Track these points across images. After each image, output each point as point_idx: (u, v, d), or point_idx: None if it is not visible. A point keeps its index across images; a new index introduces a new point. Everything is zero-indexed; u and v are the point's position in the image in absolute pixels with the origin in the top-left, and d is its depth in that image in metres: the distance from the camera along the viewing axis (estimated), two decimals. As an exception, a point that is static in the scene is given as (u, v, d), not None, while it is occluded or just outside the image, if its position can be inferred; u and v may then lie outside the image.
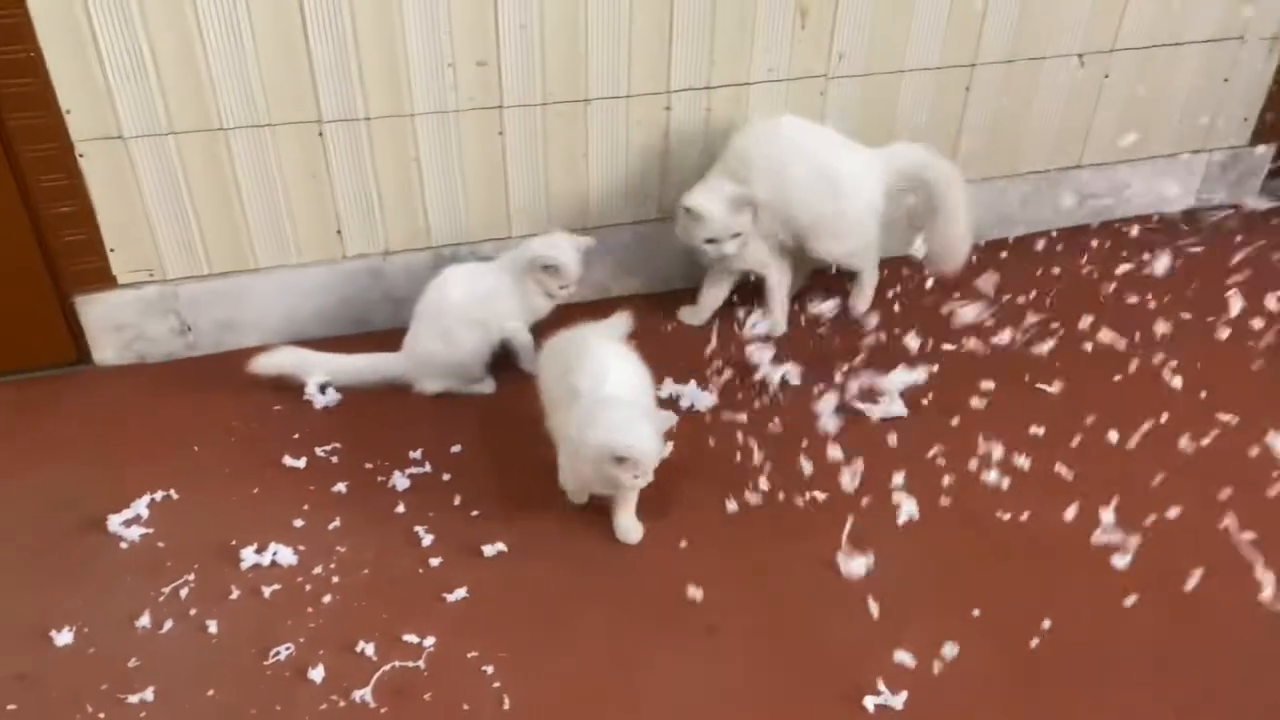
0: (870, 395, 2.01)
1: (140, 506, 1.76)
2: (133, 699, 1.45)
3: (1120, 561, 1.67)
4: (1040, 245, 2.55)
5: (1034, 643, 1.53)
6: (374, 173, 2.05)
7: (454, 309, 1.98)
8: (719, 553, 1.70)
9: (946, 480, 1.83)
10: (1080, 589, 1.63)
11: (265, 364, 2.00)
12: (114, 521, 1.72)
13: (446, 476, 1.84)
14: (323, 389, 2.02)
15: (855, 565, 1.65)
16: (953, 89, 2.33)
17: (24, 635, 1.54)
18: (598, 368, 1.69)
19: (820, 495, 1.79)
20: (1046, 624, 1.55)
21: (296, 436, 1.93)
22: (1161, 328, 2.20)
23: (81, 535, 1.71)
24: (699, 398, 2.02)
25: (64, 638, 1.54)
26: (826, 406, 1.97)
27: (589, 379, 1.68)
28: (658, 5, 2.02)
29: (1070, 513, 1.75)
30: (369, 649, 1.53)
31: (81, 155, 1.87)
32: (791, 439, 1.91)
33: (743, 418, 1.97)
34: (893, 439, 1.92)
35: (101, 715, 1.44)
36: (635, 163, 2.20)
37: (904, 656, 1.50)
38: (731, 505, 1.77)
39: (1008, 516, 1.76)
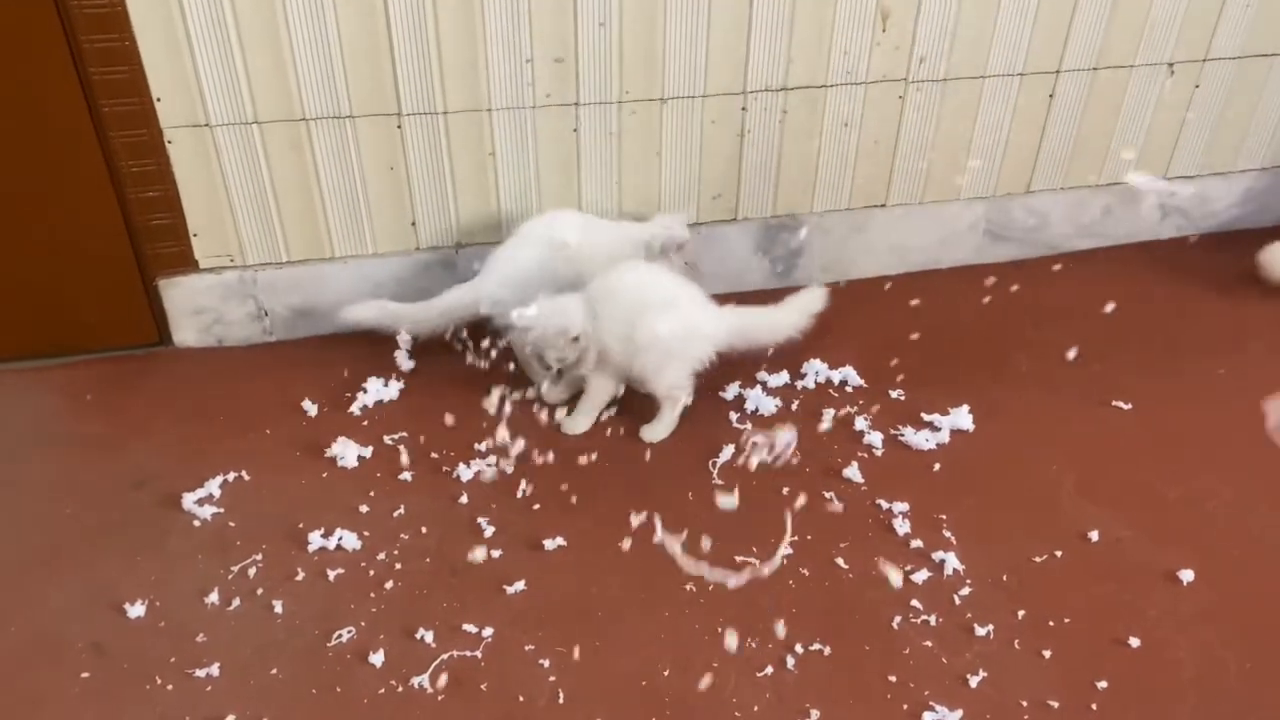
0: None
1: (213, 486, 1.80)
2: (199, 673, 1.49)
3: (1186, 576, 1.62)
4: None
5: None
6: (449, 166, 2.07)
7: (566, 248, 2.00)
8: (796, 561, 1.69)
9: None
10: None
11: (354, 314, 2.03)
12: (188, 500, 1.77)
13: (510, 470, 1.86)
14: (410, 351, 2.08)
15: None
16: (1036, 95, 2.28)
17: (99, 606, 1.59)
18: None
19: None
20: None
21: (365, 424, 1.96)
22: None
23: (157, 512, 1.76)
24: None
25: (136, 610, 1.58)
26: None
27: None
28: (736, 4, 2.01)
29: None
30: (428, 636, 1.55)
31: (170, 142, 1.93)
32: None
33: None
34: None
35: (169, 687, 1.47)
36: (709, 162, 2.19)
37: None
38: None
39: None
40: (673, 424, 1.95)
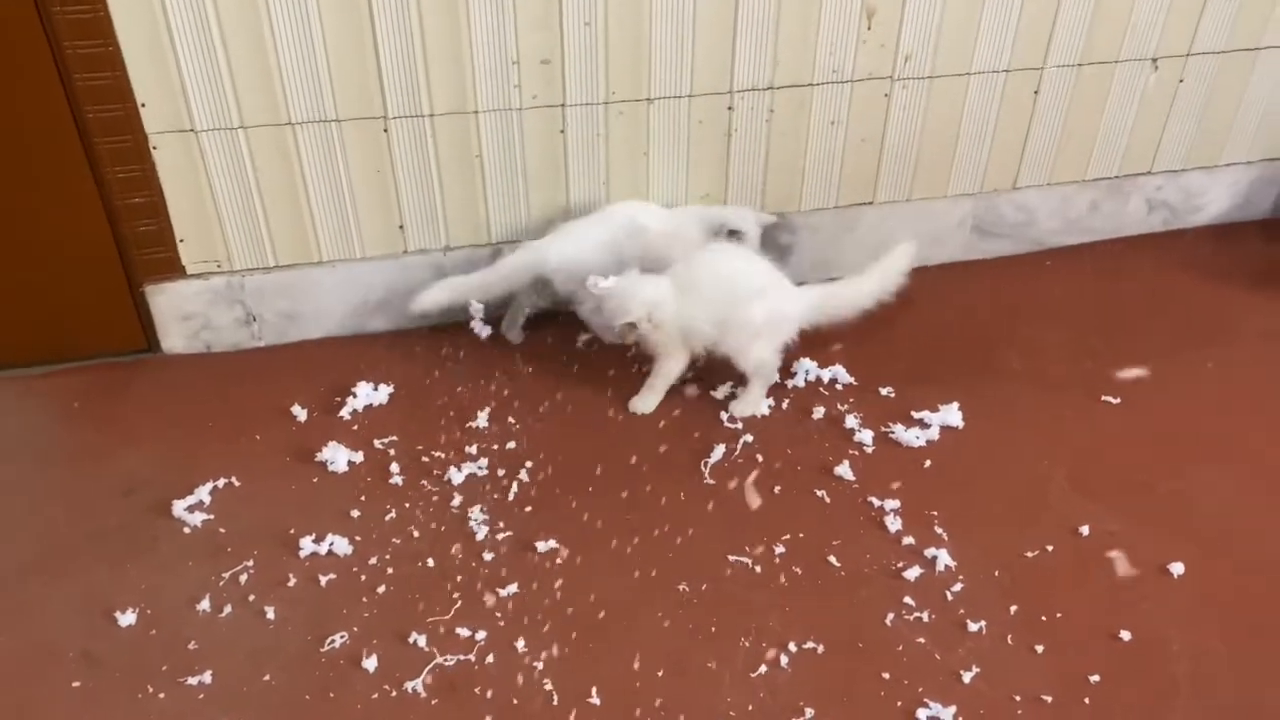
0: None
1: (203, 493, 1.79)
2: (191, 681, 1.48)
3: (1177, 569, 1.63)
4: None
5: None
6: (437, 169, 2.07)
7: (641, 230, 2.09)
8: (788, 560, 1.69)
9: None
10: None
11: (425, 301, 2.07)
12: (178, 506, 1.76)
13: (501, 472, 1.85)
14: (485, 320, 2.15)
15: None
16: (1022, 92, 2.29)
17: (90, 615, 1.58)
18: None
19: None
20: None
21: (355, 428, 1.95)
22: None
23: (146, 519, 1.75)
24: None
25: (127, 619, 1.57)
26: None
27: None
28: (722, 4, 2.01)
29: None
30: (421, 640, 1.54)
31: (155, 148, 1.92)
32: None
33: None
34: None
35: (161, 695, 1.47)
36: (696, 162, 2.19)
37: (959, 668, 1.48)
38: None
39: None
40: (760, 398, 2.00)
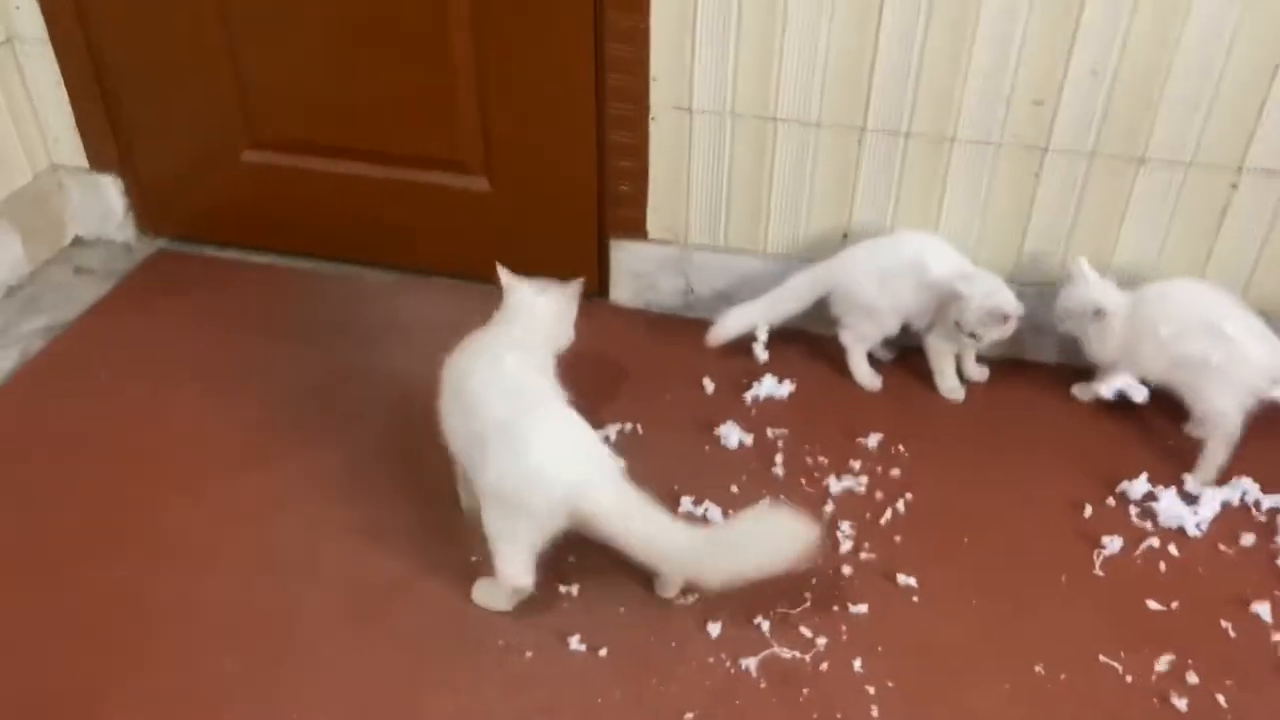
0: None
1: (611, 430, 1.97)
2: (562, 589, 1.66)
3: None
4: None
5: None
6: (898, 187, 2.08)
7: (921, 272, 2.01)
8: (1166, 681, 1.54)
9: None
10: None
11: (723, 333, 2.11)
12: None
13: (879, 495, 1.85)
14: (765, 345, 2.14)
15: None
16: None
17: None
18: None
19: None
20: None
21: (753, 413, 2.04)
22: None
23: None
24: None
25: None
26: None
27: None
28: (1261, 67, 1.82)
29: None
30: (765, 626, 1.60)
31: (653, 119, 2.12)
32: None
33: None
34: None
35: (535, 592, 1.63)
36: (1176, 241, 2.01)
37: None
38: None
39: None
40: (1217, 463, 1.85)
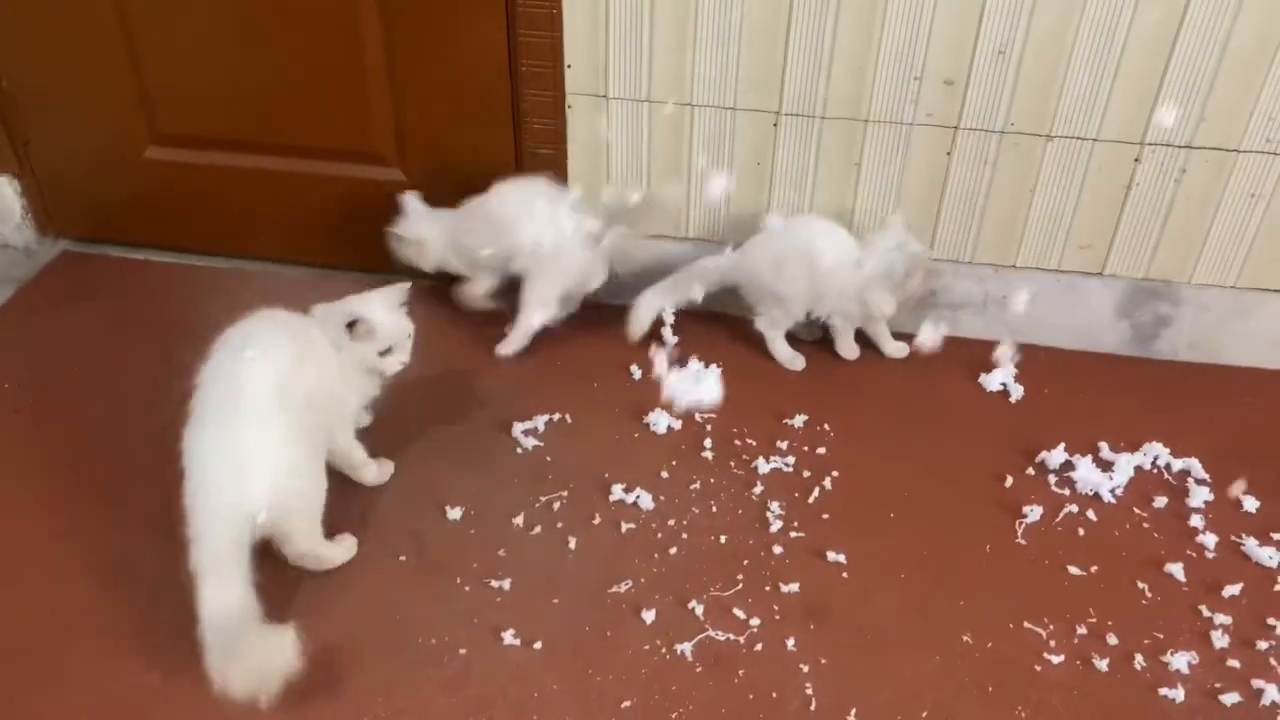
0: None
1: (540, 421, 1.96)
2: (494, 584, 1.64)
3: None
4: None
5: None
6: (814, 169, 2.10)
7: (817, 259, 2.04)
8: (1087, 644, 1.59)
9: None
10: None
11: (641, 323, 2.12)
12: (516, 428, 1.93)
13: (807, 474, 1.87)
14: (673, 328, 2.13)
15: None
16: None
17: (425, 502, 1.79)
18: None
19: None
20: None
21: (682, 398, 2.05)
22: None
23: (490, 432, 1.94)
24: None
25: (454, 514, 1.77)
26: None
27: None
28: (1157, 42, 1.87)
29: None
30: (699, 609, 1.61)
31: (570, 106, 2.10)
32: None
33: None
34: None
35: (467, 589, 1.64)
36: (1084, 210, 2.07)
37: None
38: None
39: None
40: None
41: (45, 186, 2.41)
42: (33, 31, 2.20)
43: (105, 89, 2.24)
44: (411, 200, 2.15)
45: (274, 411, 1.50)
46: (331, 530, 1.65)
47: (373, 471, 1.81)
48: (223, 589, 1.40)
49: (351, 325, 1.63)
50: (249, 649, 1.38)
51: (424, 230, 2.15)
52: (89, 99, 2.27)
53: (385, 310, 1.68)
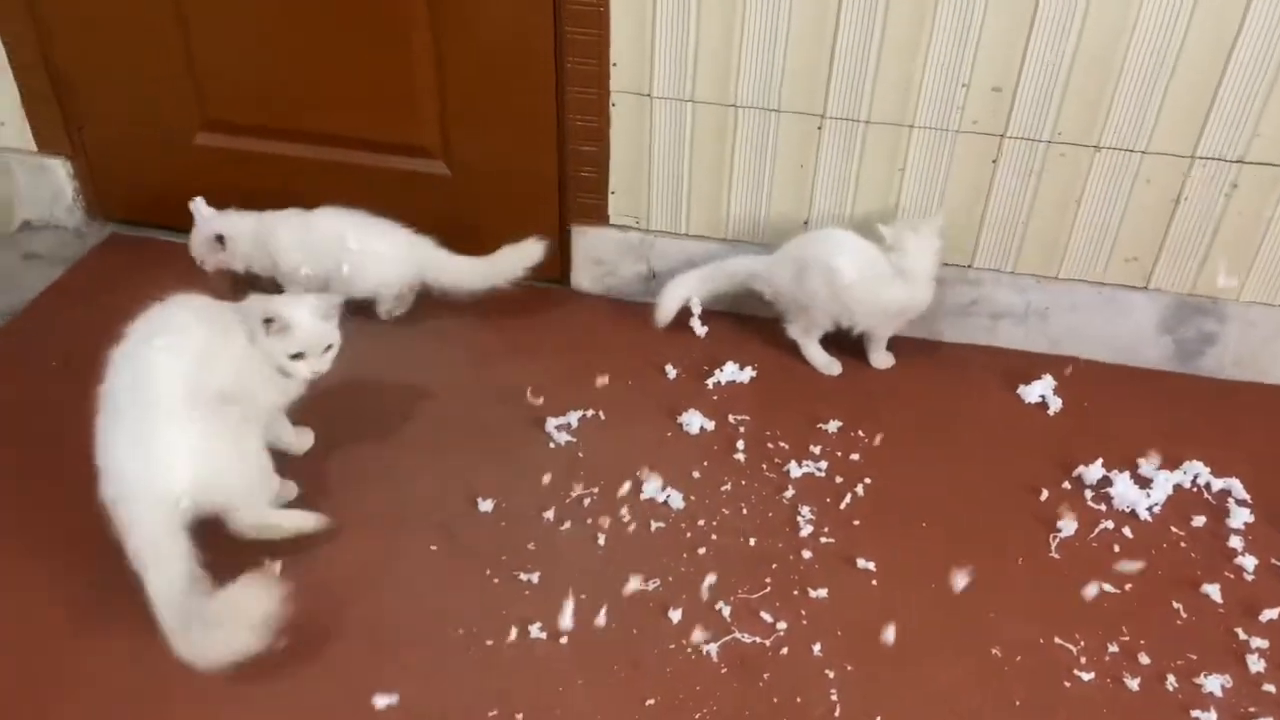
0: None
1: (573, 417, 1.96)
2: (522, 576, 1.65)
3: None
4: None
5: None
6: (856, 174, 2.09)
7: (834, 275, 2.01)
8: (1117, 662, 1.56)
9: None
10: None
11: (667, 311, 2.14)
12: (550, 423, 1.94)
13: (839, 479, 1.86)
14: (702, 319, 2.17)
15: None
16: None
17: (456, 493, 1.80)
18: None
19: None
20: None
21: (715, 399, 2.04)
22: None
23: (522, 426, 1.95)
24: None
25: (485, 506, 1.78)
26: None
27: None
28: (1212, 57, 1.84)
29: None
30: (725, 611, 1.61)
31: (614, 104, 2.11)
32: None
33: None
34: None
35: (495, 580, 1.65)
36: (1130, 222, 2.04)
37: None
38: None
39: None
40: None
41: (96, 169, 2.46)
42: (90, 17, 2.24)
43: (158, 75, 2.28)
44: (201, 204, 2.17)
45: (185, 400, 1.50)
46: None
47: (296, 439, 1.83)
48: (165, 573, 1.42)
49: (269, 321, 1.62)
50: (214, 615, 1.40)
51: (231, 226, 2.16)
52: (141, 83, 2.31)
53: (311, 316, 1.63)
